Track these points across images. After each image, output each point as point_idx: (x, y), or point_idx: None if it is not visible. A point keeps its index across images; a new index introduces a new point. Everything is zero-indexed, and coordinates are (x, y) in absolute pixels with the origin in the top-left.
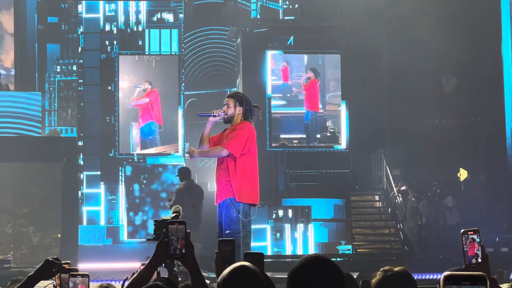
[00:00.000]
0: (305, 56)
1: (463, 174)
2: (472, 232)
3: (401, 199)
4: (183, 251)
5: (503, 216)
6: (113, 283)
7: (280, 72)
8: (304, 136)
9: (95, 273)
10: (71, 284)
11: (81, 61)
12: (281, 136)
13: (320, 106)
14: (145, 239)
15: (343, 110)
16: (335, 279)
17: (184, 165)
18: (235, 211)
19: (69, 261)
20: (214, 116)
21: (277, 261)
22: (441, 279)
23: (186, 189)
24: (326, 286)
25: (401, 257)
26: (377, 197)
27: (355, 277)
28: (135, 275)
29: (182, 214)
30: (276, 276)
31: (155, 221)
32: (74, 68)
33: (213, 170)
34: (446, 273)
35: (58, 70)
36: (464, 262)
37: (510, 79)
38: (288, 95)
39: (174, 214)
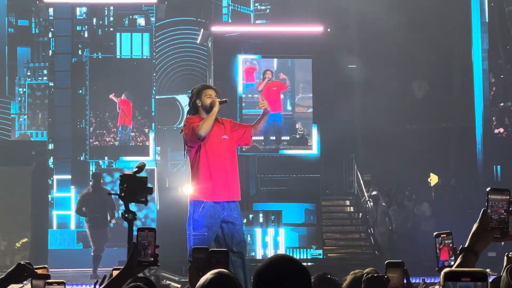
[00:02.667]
0: (275, 59)
1: (433, 179)
2: (445, 235)
3: (372, 204)
4: (151, 259)
5: (474, 221)
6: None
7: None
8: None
9: (65, 278)
10: None
11: (52, 64)
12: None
13: (290, 108)
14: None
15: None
16: (301, 279)
17: (95, 171)
18: None
19: (46, 266)
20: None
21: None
22: (441, 276)
23: (92, 192)
24: (292, 286)
25: (371, 262)
26: (348, 202)
27: None
28: (105, 283)
29: (89, 216)
30: None
31: (120, 176)
32: (45, 71)
33: (184, 174)
34: (446, 269)
35: (29, 73)
36: (436, 265)
37: (480, 85)
38: (256, 96)
39: (136, 169)
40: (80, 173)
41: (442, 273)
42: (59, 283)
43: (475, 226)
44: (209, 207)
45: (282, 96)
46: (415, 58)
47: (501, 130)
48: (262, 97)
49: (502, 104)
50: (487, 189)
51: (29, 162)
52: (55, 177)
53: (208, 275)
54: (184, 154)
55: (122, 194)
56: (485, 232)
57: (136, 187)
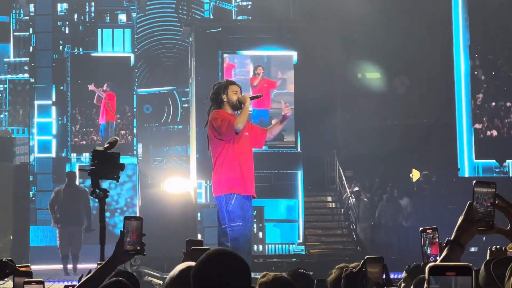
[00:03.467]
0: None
1: (415, 175)
2: (430, 230)
3: (354, 199)
4: (138, 248)
5: (456, 216)
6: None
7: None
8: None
9: (47, 274)
10: None
11: (33, 60)
12: None
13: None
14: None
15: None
16: (239, 274)
17: (71, 170)
18: None
19: (29, 264)
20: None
21: None
22: (426, 270)
23: (66, 188)
24: (230, 281)
25: (354, 258)
26: (330, 198)
27: None
28: (90, 273)
29: (62, 211)
30: None
31: (91, 151)
32: (26, 67)
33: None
34: (431, 264)
35: (9, 70)
36: (422, 260)
37: (461, 81)
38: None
39: (107, 145)
40: (61, 170)
41: (427, 267)
42: (37, 282)
43: (460, 218)
44: (240, 199)
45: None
46: (397, 53)
47: (494, 133)
48: (286, 103)
49: (494, 103)
50: (473, 182)
51: (10, 159)
52: (37, 173)
53: (178, 267)
54: (208, 148)
55: (92, 170)
56: (470, 224)
57: (107, 164)
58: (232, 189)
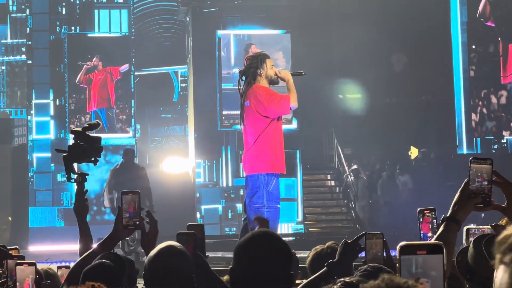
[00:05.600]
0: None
1: (413, 152)
2: (428, 211)
3: (352, 178)
4: (137, 222)
5: (454, 193)
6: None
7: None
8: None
9: (46, 255)
10: (19, 272)
11: (30, 42)
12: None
13: None
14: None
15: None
16: (282, 255)
17: (129, 147)
18: None
19: (17, 247)
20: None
21: (227, 240)
22: (397, 250)
23: (122, 168)
24: (273, 262)
25: (353, 236)
26: (328, 176)
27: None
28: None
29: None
30: (227, 256)
31: (71, 131)
32: (23, 49)
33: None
34: (402, 243)
35: (7, 51)
36: (420, 239)
37: (459, 58)
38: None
39: (87, 126)
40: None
41: (398, 247)
42: (29, 264)
43: (456, 195)
44: (278, 181)
45: None
46: (394, 31)
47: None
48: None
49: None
50: (470, 159)
51: (8, 141)
52: (35, 155)
53: (159, 246)
54: (241, 123)
55: (68, 152)
56: (466, 201)
57: (85, 146)
58: (276, 168)
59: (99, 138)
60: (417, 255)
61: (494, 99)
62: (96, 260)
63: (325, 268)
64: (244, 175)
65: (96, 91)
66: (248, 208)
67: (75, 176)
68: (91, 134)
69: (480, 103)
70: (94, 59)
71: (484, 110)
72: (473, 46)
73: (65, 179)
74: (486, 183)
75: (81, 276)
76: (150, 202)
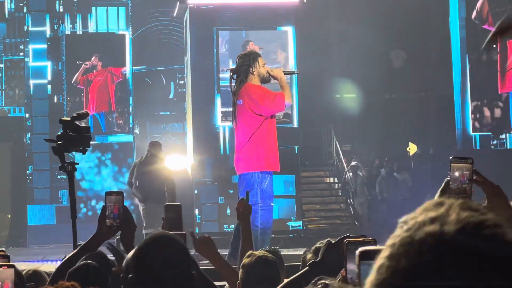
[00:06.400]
0: (243, 32)
1: (412, 148)
2: None
3: (351, 174)
4: (120, 223)
5: None
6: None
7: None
8: None
9: (44, 254)
10: None
11: (28, 40)
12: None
13: None
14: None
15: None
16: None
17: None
18: None
19: (3, 248)
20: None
21: (226, 238)
22: (356, 255)
23: (146, 160)
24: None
25: (351, 232)
26: (327, 173)
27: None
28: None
29: (145, 188)
30: (225, 253)
31: (60, 121)
32: (21, 47)
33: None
34: (361, 249)
35: (5, 49)
36: None
37: (458, 54)
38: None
39: (76, 115)
40: None
41: (357, 252)
42: (9, 266)
43: (437, 195)
44: (272, 178)
45: None
46: (393, 27)
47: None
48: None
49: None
50: (450, 158)
51: (7, 138)
52: (33, 152)
53: (149, 235)
54: (233, 121)
55: (59, 142)
56: None
57: (74, 135)
58: (270, 166)
59: (88, 128)
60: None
61: (493, 96)
62: (81, 261)
63: (307, 267)
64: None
65: (95, 93)
66: None
67: (65, 165)
68: (80, 124)
69: (479, 99)
70: (93, 58)
71: (483, 107)
72: (472, 43)
73: (65, 176)
74: (467, 182)
75: (66, 277)
76: (173, 195)
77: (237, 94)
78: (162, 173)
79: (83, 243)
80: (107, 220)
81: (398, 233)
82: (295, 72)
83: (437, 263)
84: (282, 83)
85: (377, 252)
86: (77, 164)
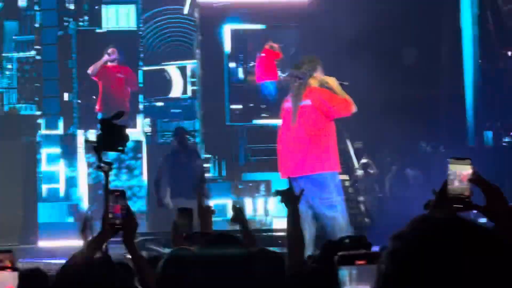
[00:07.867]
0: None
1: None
2: None
3: (362, 171)
4: (122, 222)
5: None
6: None
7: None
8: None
9: (56, 252)
10: None
11: (39, 38)
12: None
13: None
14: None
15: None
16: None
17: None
18: None
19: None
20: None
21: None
22: (335, 259)
23: (174, 150)
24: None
25: (361, 229)
26: None
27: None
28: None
29: (173, 182)
30: None
31: (99, 121)
32: (32, 45)
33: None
34: (340, 253)
35: (16, 47)
36: None
37: (470, 51)
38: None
39: (114, 115)
40: (68, 146)
41: (336, 257)
42: (13, 269)
43: (435, 196)
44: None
45: None
46: (404, 24)
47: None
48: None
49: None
50: (448, 159)
51: (18, 137)
52: (44, 150)
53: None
54: (292, 120)
55: (98, 142)
56: (444, 203)
57: (113, 135)
58: (338, 167)
59: (125, 127)
60: (356, 265)
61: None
62: (84, 263)
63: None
64: (284, 175)
65: (111, 91)
66: (318, 204)
67: (102, 165)
68: (117, 123)
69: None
70: (110, 50)
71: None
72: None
73: (74, 174)
74: (465, 183)
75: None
76: (203, 186)
77: (300, 96)
78: (195, 163)
79: (87, 242)
80: (110, 219)
81: None
82: (345, 83)
83: None
84: (339, 91)
85: (355, 256)
86: (113, 164)
